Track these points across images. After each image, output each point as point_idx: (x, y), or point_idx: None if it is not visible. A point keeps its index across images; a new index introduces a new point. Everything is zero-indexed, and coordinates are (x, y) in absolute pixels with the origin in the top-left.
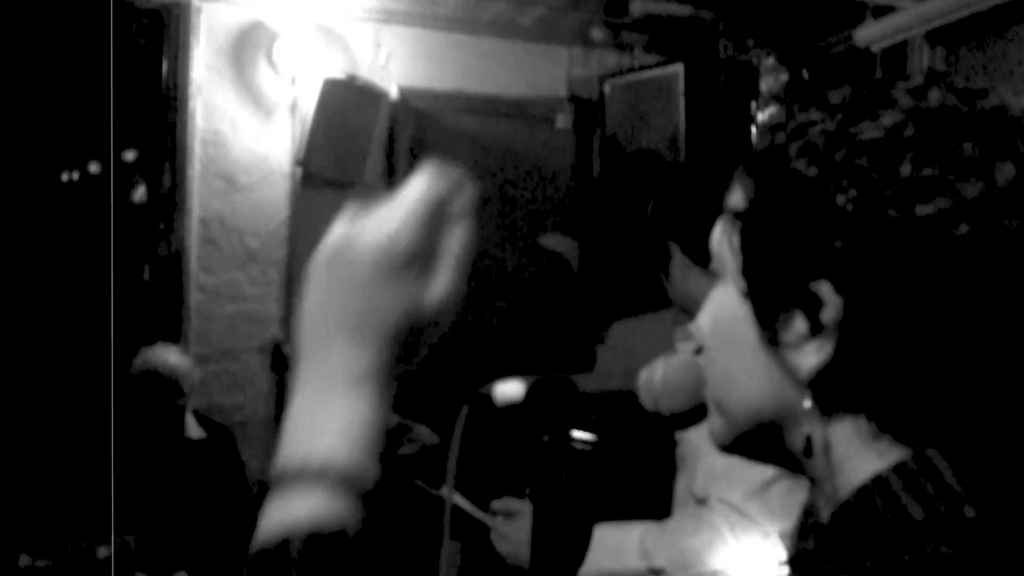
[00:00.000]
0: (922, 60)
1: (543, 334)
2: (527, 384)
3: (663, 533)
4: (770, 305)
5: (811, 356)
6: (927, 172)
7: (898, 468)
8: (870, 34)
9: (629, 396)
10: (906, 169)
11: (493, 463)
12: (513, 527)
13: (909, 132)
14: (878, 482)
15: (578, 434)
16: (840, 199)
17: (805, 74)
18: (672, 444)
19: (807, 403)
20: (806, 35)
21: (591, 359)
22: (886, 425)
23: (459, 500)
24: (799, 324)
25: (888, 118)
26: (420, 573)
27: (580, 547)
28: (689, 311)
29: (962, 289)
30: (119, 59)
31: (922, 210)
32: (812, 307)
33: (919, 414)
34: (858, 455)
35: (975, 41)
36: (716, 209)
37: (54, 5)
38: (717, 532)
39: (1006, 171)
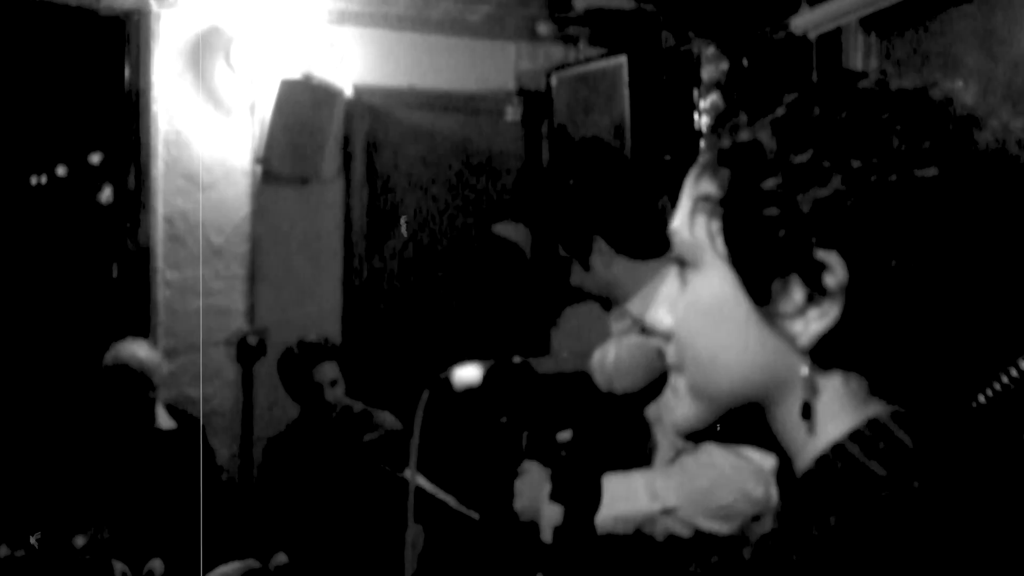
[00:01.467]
0: (857, 46)
1: (498, 319)
2: (485, 368)
3: (669, 477)
4: (766, 279)
5: (813, 323)
6: (916, 142)
7: (854, 435)
8: (806, 22)
9: (584, 377)
10: (896, 142)
11: (454, 446)
12: (525, 483)
13: (885, 113)
14: (836, 449)
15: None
16: (836, 178)
17: (745, 62)
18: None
19: (804, 370)
20: (745, 24)
21: (546, 342)
22: (881, 383)
23: (422, 482)
24: (797, 293)
25: (860, 104)
26: (386, 553)
27: (593, 496)
28: (609, 298)
29: (960, 241)
30: (83, 66)
31: (922, 173)
32: (813, 275)
33: (918, 369)
34: (838, 418)
35: (908, 27)
36: (645, 203)
37: (19, 16)
38: (721, 472)
39: (985, 138)
